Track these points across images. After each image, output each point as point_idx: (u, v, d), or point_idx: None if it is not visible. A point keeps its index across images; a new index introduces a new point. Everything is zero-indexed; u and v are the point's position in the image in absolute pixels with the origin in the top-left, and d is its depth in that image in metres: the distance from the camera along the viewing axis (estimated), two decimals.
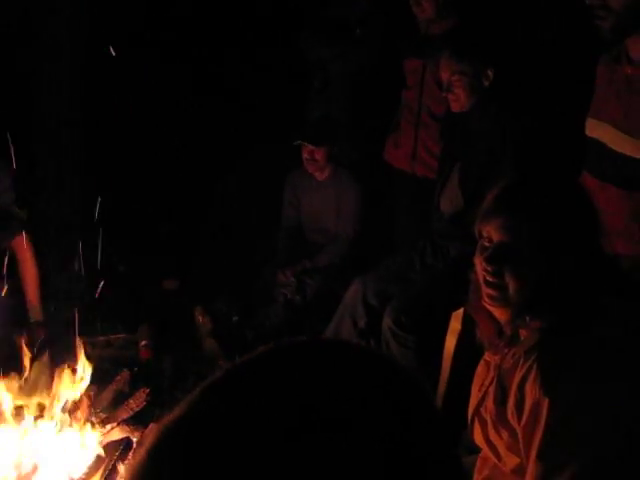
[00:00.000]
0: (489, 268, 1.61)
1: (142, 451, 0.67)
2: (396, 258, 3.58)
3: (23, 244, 4.04)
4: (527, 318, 1.61)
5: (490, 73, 3.10)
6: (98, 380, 3.37)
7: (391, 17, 4.15)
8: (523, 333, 1.65)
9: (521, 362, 1.58)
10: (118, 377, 3.43)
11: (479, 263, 1.66)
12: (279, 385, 0.70)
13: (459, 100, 3.17)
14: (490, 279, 1.62)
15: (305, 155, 4.10)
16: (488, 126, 3.15)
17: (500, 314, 1.66)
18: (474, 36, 3.30)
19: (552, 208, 1.61)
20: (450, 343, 3.08)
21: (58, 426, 2.89)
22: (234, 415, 0.67)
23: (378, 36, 4.19)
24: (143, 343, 3.83)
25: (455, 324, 3.03)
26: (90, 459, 2.78)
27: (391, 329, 3.17)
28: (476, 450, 1.86)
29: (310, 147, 4.06)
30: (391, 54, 3.99)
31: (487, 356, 1.76)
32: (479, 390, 1.75)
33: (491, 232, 1.62)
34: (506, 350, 1.66)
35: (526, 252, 1.57)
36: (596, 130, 2.34)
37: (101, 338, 3.90)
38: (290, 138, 4.10)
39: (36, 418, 2.91)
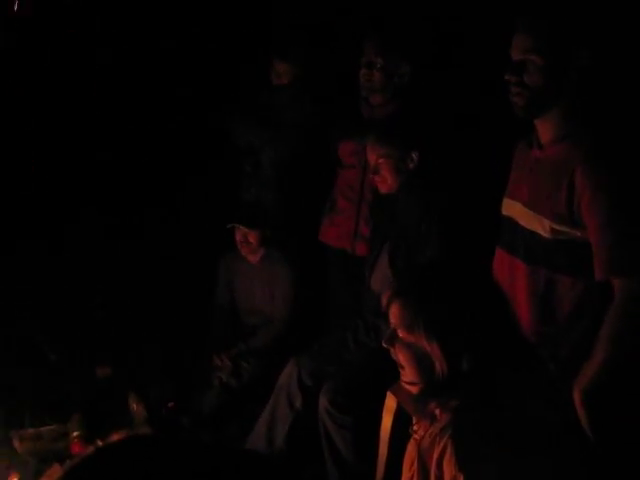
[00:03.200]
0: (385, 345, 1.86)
1: None
2: (330, 337, 3.60)
3: None
4: (438, 399, 1.69)
5: (415, 156, 3.22)
6: (29, 474, 3.26)
7: (319, 102, 4.27)
8: (438, 411, 1.70)
9: (437, 440, 1.62)
10: (49, 471, 3.32)
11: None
12: None
13: (386, 182, 3.28)
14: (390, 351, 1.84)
15: (238, 237, 4.14)
16: (414, 203, 3.25)
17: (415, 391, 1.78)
18: (400, 122, 3.43)
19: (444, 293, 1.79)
20: (387, 421, 3.08)
21: None
22: None
23: (302, 122, 4.28)
24: (75, 434, 3.71)
25: (390, 402, 3.04)
26: None
27: (327, 410, 3.17)
28: None
29: (243, 229, 4.10)
30: (320, 138, 4.09)
31: (415, 434, 1.80)
32: (409, 469, 1.77)
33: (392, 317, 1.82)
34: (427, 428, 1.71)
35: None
36: (509, 208, 2.52)
37: (30, 430, 3.77)
38: (223, 220, 4.14)
39: None
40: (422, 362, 1.75)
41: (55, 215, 4.88)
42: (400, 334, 1.80)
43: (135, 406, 3.94)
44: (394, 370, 1.89)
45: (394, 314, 1.81)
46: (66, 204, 4.92)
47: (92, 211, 4.95)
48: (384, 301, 1.86)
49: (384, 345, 1.86)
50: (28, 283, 4.69)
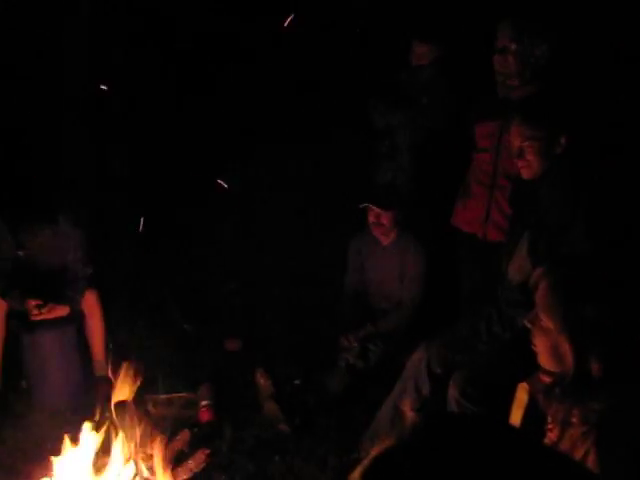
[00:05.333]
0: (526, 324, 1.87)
1: None
2: (461, 325, 3.49)
3: (90, 300, 4.14)
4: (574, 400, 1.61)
5: (563, 140, 3.04)
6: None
7: (457, 83, 4.18)
8: (576, 419, 1.62)
9: (578, 444, 1.54)
10: (178, 436, 3.42)
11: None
12: None
13: (530, 167, 3.11)
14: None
15: (371, 219, 4.09)
16: (559, 194, 3.07)
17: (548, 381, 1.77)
18: (548, 102, 3.26)
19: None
20: (516, 416, 2.96)
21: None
22: None
23: (441, 102, 4.22)
24: (204, 403, 3.81)
25: (521, 396, 2.92)
26: None
27: (457, 400, 3.08)
28: None
29: (377, 210, 4.05)
30: (457, 119, 4.00)
31: (550, 433, 1.72)
32: None
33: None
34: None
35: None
36: None
37: (162, 396, 3.90)
38: (357, 201, 4.11)
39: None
40: (556, 352, 1.73)
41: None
42: (540, 316, 1.78)
43: (262, 381, 4.00)
44: (526, 363, 1.85)
45: (540, 293, 1.79)
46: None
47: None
48: (534, 277, 1.84)
49: (526, 324, 1.86)
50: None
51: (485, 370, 3.13)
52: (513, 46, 3.45)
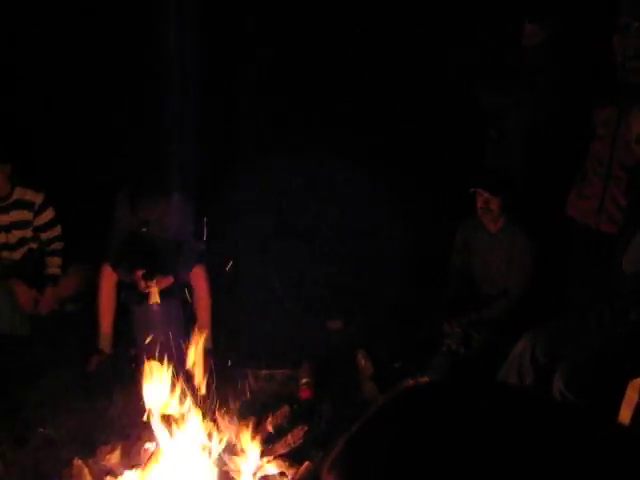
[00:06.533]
0: None
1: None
2: (570, 316, 3.38)
3: (199, 274, 4.27)
4: None
5: None
6: (258, 412, 3.43)
7: (572, 65, 4.02)
8: None
9: None
10: (278, 412, 3.47)
11: None
12: None
13: None
14: None
15: (479, 204, 4.02)
16: None
17: None
18: None
19: None
20: (625, 414, 2.85)
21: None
22: None
23: (553, 85, 4.06)
24: (304, 381, 3.86)
25: (632, 394, 2.81)
26: None
27: (562, 393, 2.99)
28: None
29: (486, 195, 3.97)
30: (574, 103, 3.84)
31: None
32: None
33: None
34: None
35: None
36: None
37: (264, 372, 3.97)
38: (465, 185, 4.03)
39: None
40: None
41: None
42: None
43: (363, 362, 4.01)
44: (637, 360, 1.74)
45: None
46: None
47: None
48: None
49: None
50: None
51: (594, 364, 3.02)
52: (636, 24, 3.27)
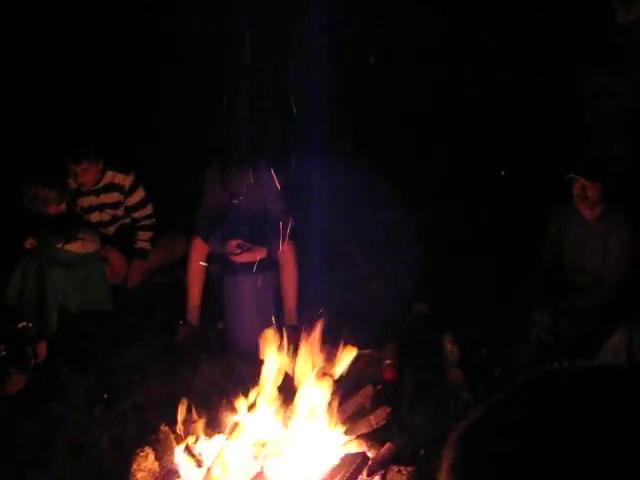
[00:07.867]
0: None
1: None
2: None
3: (287, 251, 4.29)
4: None
5: None
6: (342, 391, 3.43)
7: None
8: None
9: None
10: (361, 392, 3.46)
11: None
12: None
13: None
14: None
15: (576, 190, 3.88)
16: None
17: None
18: None
19: None
20: None
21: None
22: None
23: None
24: (388, 362, 3.84)
25: None
26: (326, 466, 2.83)
27: None
28: None
29: (583, 182, 3.83)
30: None
31: None
32: None
33: None
34: None
35: None
36: None
37: None
38: (562, 171, 3.91)
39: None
40: None
41: None
42: None
43: (449, 347, 3.94)
44: None
45: None
46: None
47: None
48: None
49: None
50: None
51: None
52: None
